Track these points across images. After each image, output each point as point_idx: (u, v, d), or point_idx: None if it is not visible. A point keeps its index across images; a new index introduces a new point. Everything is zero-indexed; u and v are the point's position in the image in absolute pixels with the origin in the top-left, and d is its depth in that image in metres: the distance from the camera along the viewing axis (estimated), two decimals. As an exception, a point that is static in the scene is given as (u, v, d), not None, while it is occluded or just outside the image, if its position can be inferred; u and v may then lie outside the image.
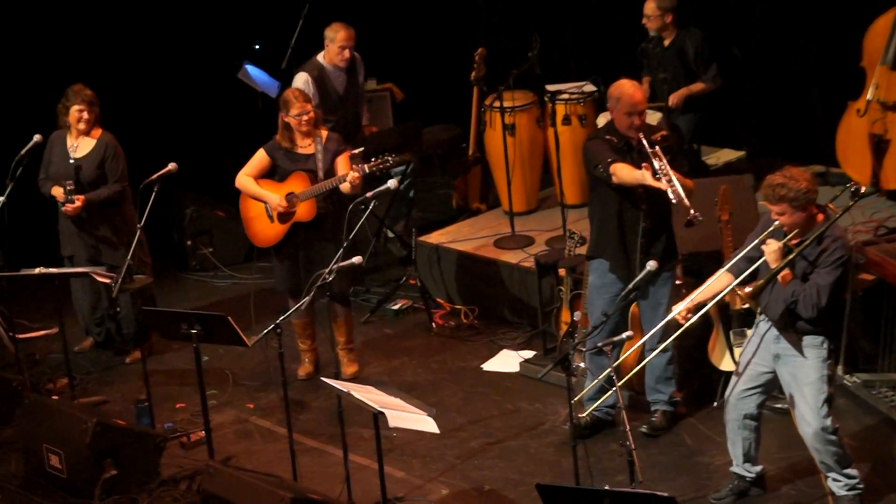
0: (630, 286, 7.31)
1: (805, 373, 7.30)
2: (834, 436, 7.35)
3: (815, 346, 7.29)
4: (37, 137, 9.43)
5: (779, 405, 8.53)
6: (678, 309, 7.36)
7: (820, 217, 7.18)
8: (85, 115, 9.52)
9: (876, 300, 8.72)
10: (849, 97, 10.39)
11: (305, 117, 9.03)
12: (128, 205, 9.66)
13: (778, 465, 8.04)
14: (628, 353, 8.37)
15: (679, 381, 8.65)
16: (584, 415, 8.36)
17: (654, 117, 10.48)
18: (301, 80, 10.32)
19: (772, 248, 7.16)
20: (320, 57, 10.47)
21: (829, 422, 7.31)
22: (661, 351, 7.82)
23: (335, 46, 10.39)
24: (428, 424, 7.29)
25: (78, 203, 9.44)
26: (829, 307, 7.17)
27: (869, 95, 10.14)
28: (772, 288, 7.27)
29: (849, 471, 7.48)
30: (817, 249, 7.14)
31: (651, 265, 7.20)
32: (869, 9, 10.23)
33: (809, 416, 7.31)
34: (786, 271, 7.17)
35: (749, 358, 7.54)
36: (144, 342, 9.40)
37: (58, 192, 9.46)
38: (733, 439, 7.69)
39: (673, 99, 10.47)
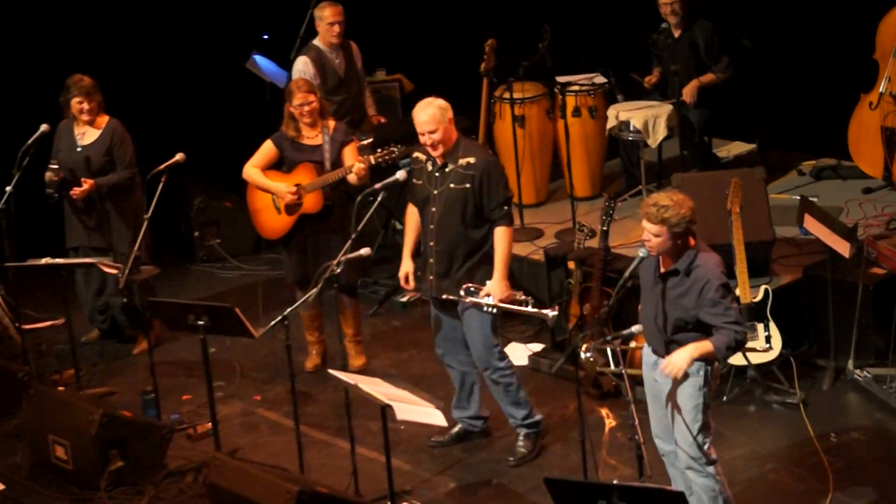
0: (626, 275, 7.12)
1: (682, 401, 7.00)
2: (710, 467, 7.04)
3: (692, 374, 6.96)
4: (43, 127, 9.42)
5: (790, 399, 8.49)
6: None
7: (692, 242, 6.87)
8: (85, 105, 9.50)
9: (887, 294, 8.67)
10: (861, 90, 10.35)
11: (307, 107, 8.98)
12: (137, 192, 9.63)
13: (787, 459, 8.00)
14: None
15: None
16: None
17: (664, 109, 10.44)
18: (300, 62, 10.39)
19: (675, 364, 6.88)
20: (315, 41, 10.55)
21: (703, 451, 7.02)
22: None
23: (325, 24, 10.45)
24: (436, 417, 7.26)
25: (86, 186, 9.43)
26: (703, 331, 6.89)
27: (881, 88, 10.10)
28: (659, 320, 6.96)
29: None
30: (687, 281, 6.84)
31: (643, 252, 7.01)
32: (882, 0, 10.17)
33: (685, 445, 7.03)
34: (706, 345, 6.85)
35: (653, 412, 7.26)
36: (149, 330, 9.35)
37: (48, 175, 9.44)
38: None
39: (688, 95, 10.44)
